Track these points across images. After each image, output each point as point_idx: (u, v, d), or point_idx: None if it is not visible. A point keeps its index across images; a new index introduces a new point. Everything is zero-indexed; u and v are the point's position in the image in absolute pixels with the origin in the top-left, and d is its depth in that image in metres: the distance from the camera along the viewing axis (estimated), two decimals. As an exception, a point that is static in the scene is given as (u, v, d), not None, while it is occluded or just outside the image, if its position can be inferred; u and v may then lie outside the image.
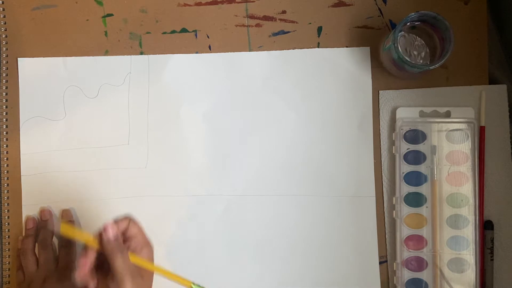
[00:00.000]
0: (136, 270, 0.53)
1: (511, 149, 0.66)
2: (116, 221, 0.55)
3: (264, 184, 0.68)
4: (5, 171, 0.69)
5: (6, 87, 0.69)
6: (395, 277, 0.66)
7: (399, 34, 0.63)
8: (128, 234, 0.55)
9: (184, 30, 0.69)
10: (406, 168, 0.66)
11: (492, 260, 0.65)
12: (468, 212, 0.65)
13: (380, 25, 0.68)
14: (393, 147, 0.67)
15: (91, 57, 0.69)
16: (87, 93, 0.69)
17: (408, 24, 0.63)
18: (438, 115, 0.67)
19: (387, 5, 0.68)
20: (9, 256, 0.69)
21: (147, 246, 0.56)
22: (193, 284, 0.56)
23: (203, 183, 0.68)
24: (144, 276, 0.54)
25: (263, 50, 0.69)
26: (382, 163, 0.68)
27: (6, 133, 0.69)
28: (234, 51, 0.69)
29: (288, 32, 0.69)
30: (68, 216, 0.68)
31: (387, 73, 0.67)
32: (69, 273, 0.66)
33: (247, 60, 0.69)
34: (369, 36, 0.68)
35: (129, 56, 0.69)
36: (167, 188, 0.68)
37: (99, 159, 0.68)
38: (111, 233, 0.53)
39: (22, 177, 0.69)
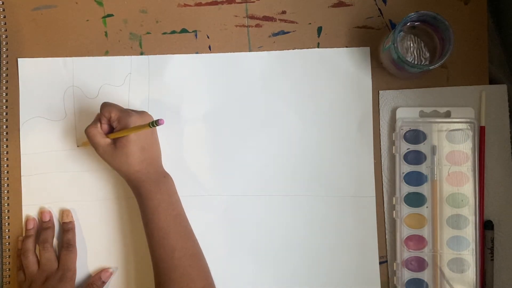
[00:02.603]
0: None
1: (511, 149, 0.66)
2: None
3: (264, 184, 0.68)
4: (5, 171, 0.69)
5: (6, 87, 0.69)
6: (395, 277, 0.66)
7: (399, 34, 0.63)
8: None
9: (184, 31, 0.69)
10: (406, 168, 0.66)
11: (492, 260, 0.65)
12: (468, 212, 0.65)
13: (380, 25, 0.68)
14: (393, 147, 0.67)
15: (91, 57, 0.69)
16: (87, 93, 0.69)
17: (408, 24, 0.63)
18: (438, 115, 0.67)
19: (387, 5, 0.68)
20: (9, 256, 0.69)
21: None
22: (150, 123, 0.56)
23: (203, 183, 0.68)
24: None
25: (263, 50, 0.69)
26: (382, 163, 0.68)
27: (6, 133, 0.69)
28: (234, 51, 0.69)
29: (288, 32, 0.69)
30: (68, 216, 0.68)
31: (387, 73, 0.67)
32: (70, 274, 0.66)
33: (247, 60, 0.69)
34: (369, 36, 0.68)
35: (129, 56, 0.69)
36: (167, 188, 0.68)
37: (99, 159, 0.68)
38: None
39: (22, 177, 0.69)
